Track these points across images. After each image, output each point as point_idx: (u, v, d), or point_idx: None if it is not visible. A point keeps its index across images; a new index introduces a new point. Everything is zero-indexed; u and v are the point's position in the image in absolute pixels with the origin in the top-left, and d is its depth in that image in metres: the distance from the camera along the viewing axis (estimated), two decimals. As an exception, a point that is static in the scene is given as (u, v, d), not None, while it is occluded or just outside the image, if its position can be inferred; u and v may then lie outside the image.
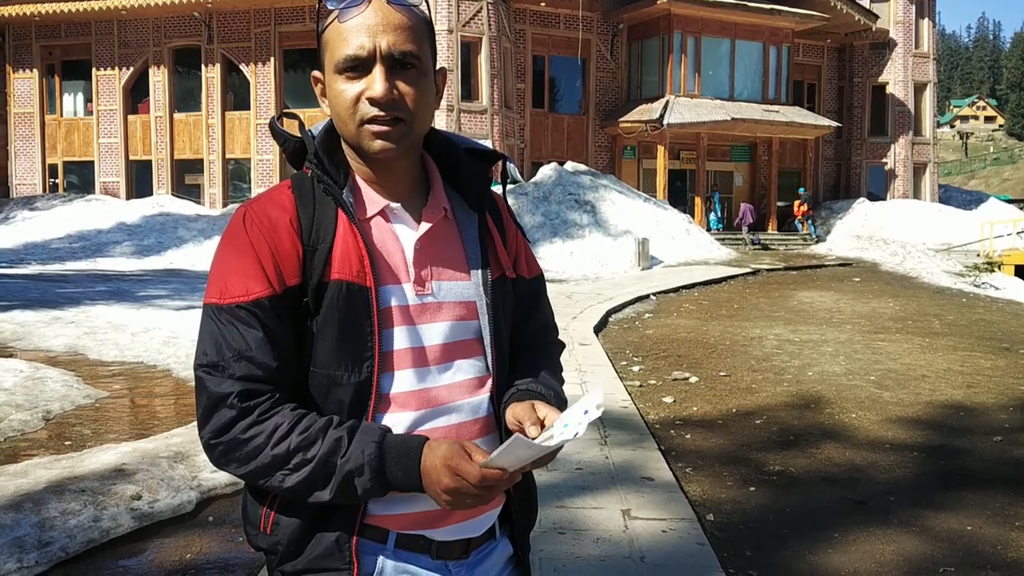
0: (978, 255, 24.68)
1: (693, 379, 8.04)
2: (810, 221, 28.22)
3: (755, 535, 4.25)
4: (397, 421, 1.35)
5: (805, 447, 5.84)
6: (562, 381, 1.56)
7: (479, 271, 1.44)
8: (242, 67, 27.41)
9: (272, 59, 26.90)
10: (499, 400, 1.46)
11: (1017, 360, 9.18)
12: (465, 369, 1.42)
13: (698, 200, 27.50)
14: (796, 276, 18.89)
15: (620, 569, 3.51)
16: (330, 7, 1.33)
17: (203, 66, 27.66)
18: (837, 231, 28.40)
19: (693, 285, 16.43)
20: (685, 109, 26.64)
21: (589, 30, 28.11)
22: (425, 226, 1.40)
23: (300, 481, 1.26)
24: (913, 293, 15.89)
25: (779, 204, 29.24)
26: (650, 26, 28.07)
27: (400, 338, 1.35)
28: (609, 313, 12.38)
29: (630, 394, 7.12)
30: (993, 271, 21.16)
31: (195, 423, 1.37)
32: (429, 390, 1.37)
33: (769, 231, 28.47)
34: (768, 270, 19.51)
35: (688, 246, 21.63)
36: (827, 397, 7.35)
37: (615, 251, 19.94)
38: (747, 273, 18.71)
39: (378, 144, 1.33)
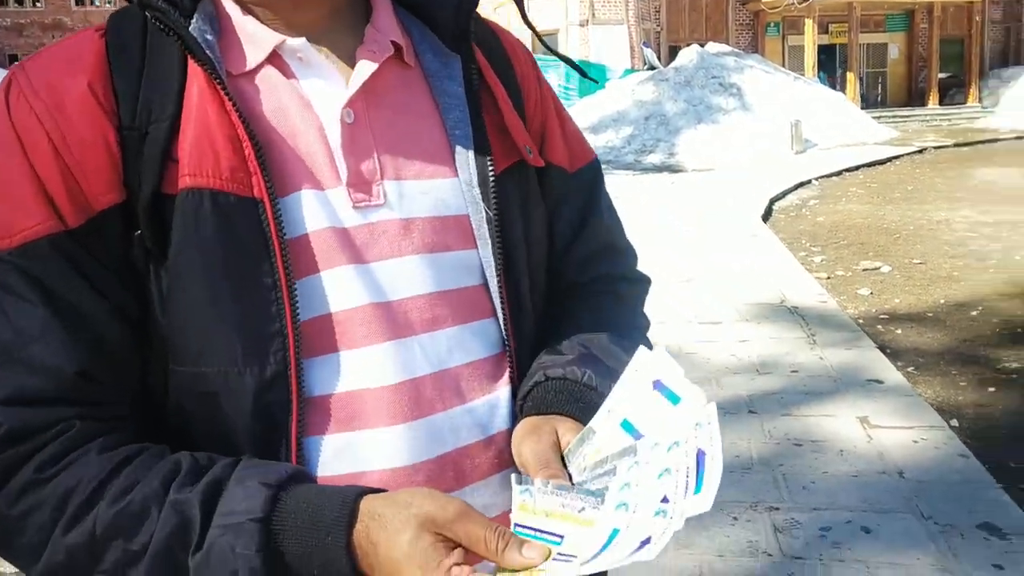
0: None
1: (885, 268, 7.39)
2: None
3: (1013, 443, 3.77)
4: (343, 453, 0.76)
5: (1040, 341, 5.22)
6: (646, 346, 0.81)
7: (470, 155, 0.83)
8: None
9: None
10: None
11: None
12: (462, 345, 0.82)
13: (851, 76, 25.67)
14: (969, 153, 17.41)
15: (880, 486, 3.12)
16: None
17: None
18: (1008, 101, 26.04)
19: (857, 167, 15.36)
20: (835, -23, 24.67)
21: (727, -102, 26.20)
22: (361, 77, 0.79)
23: None
24: (1111, 165, 14.34)
25: (940, 76, 26.99)
26: None
27: (333, 292, 0.76)
28: (772, 201, 11.65)
29: (823, 287, 6.57)
30: None
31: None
32: (397, 388, 0.77)
33: (930, 105, 26.41)
34: (936, 147, 18.07)
35: (844, 126, 20.24)
36: (1046, 284, 6.60)
37: (766, 135, 18.85)
38: (913, 152, 17.39)
39: None
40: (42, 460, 0.68)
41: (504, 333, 0.84)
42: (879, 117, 23.54)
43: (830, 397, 4.08)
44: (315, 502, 0.67)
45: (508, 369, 0.84)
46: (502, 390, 0.84)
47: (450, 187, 0.83)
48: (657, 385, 0.71)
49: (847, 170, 15.15)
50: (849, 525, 2.89)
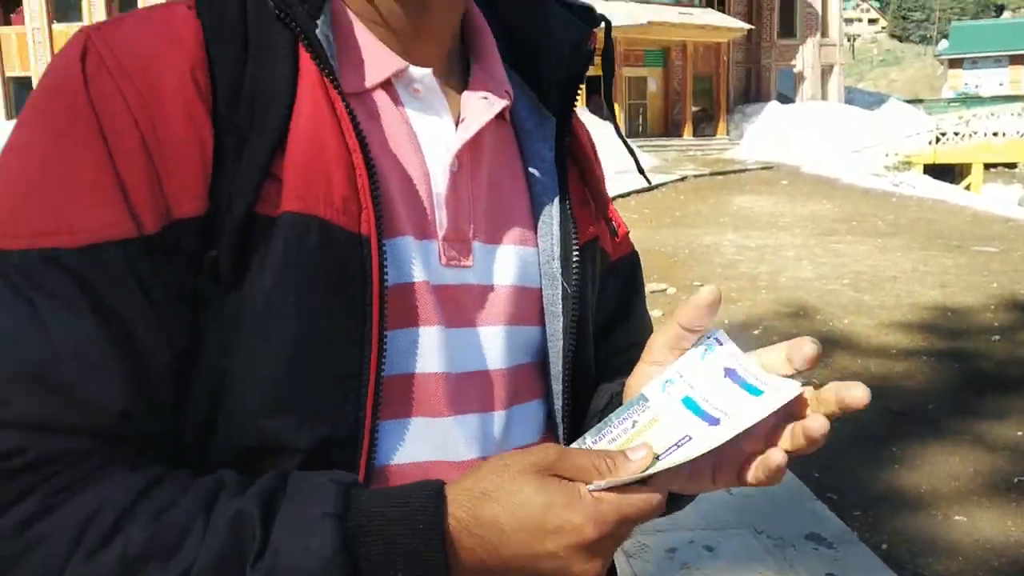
0: (886, 155, 25.30)
1: (671, 290, 7.84)
2: None
3: (814, 456, 4.07)
4: None
5: (817, 357, 5.71)
6: None
7: (554, 226, 0.75)
8: (127, -28, 25.41)
9: (161, -37, 24.98)
10: None
11: (974, 257, 9.31)
12: (514, 428, 0.73)
13: (617, 107, 27.18)
14: (723, 181, 18.92)
15: (713, 502, 3.25)
16: None
17: (83, -28, 25.52)
18: (751, 135, 28.64)
19: (628, 193, 16.23)
20: (600, 13, 26.11)
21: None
22: (476, 124, 0.70)
23: None
24: (844, 194, 16.10)
25: (694, 109, 29.22)
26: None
27: (421, 351, 0.66)
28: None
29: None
30: (909, 170, 21.75)
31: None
32: (465, 466, 0.67)
33: (685, 136, 28.51)
34: (695, 175, 19.48)
35: (613, 154, 21.40)
36: (811, 303, 7.26)
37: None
38: (676, 180, 18.65)
39: None
40: (56, 486, 0.54)
41: (558, 417, 0.76)
42: (642, 146, 25.10)
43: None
44: (395, 496, 0.57)
45: None
46: None
47: (531, 257, 0.75)
48: (730, 374, 0.62)
49: (620, 196, 15.97)
50: (692, 545, 2.98)
